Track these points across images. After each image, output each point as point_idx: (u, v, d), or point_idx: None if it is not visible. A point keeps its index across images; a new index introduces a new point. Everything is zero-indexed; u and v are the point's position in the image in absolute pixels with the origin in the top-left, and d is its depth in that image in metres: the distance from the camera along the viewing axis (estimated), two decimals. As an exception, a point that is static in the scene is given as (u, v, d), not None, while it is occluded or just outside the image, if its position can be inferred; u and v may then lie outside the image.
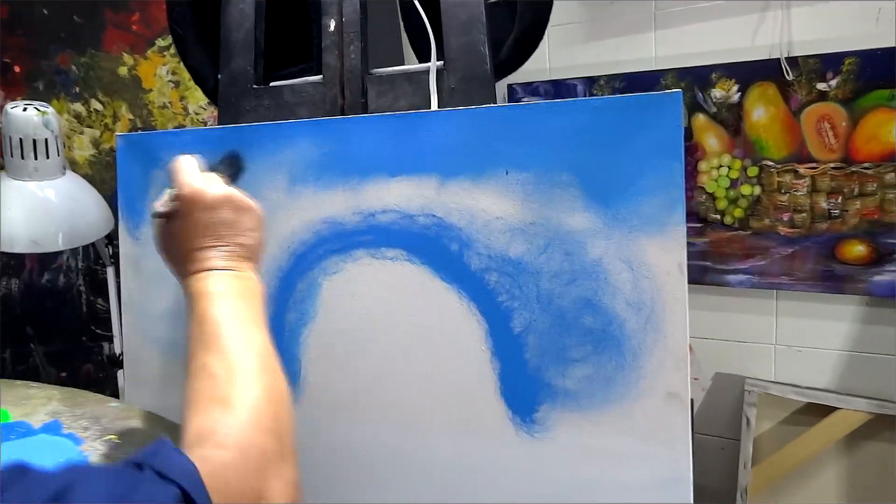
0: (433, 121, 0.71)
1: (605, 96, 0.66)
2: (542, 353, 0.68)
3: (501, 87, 1.60)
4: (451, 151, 0.70)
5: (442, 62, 0.75)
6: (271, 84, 0.84)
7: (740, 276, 1.44)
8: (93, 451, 0.61)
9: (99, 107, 1.55)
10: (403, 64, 0.79)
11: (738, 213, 1.42)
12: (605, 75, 1.44)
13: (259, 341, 0.50)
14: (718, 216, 1.44)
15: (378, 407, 0.74)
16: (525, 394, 0.68)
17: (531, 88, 1.53)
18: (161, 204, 0.58)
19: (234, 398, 0.44)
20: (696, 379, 1.56)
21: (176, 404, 0.70)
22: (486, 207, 0.69)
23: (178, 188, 0.57)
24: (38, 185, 0.99)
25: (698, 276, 1.47)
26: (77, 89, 1.54)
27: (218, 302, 0.51)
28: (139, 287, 0.87)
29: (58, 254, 1.47)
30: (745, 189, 1.40)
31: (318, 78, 0.80)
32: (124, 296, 0.88)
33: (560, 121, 0.66)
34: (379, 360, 0.74)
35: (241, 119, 0.84)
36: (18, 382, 0.75)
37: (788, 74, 1.31)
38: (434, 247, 0.71)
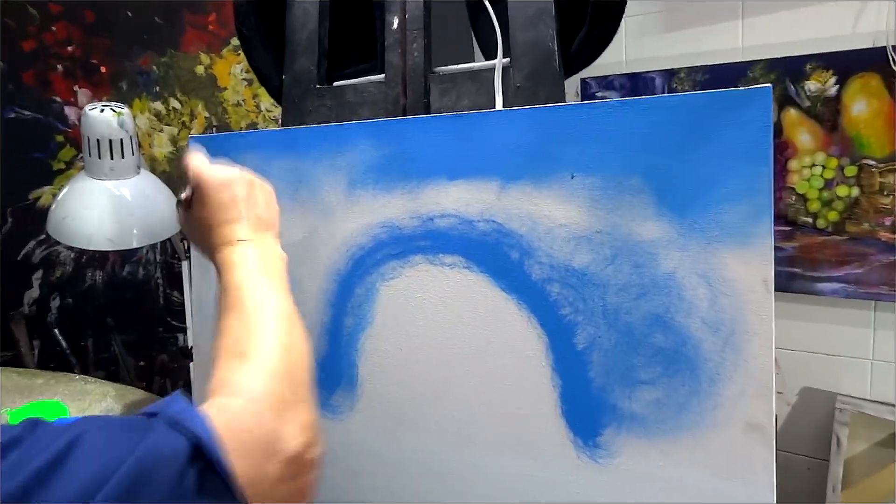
0: (494, 121, 0.67)
1: (683, 93, 0.60)
2: (608, 372, 0.63)
3: (574, 81, 1.54)
4: (512, 153, 0.66)
5: (508, 59, 0.71)
6: (334, 84, 0.83)
7: (833, 285, 1.33)
8: None
9: (177, 105, 1.60)
10: (474, 62, 0.76)
11: (833, 216, 1.30)
12: (686, 68, 1.35)
13: (276, 301, 0.52)
14: (810, 219, 1.32)
15: (432, 420, 0.72)
16: (588, 415, 0.64)
17: (606, 82, 1.46)
18: (182, 195, 0.61)
19: (250, 351, 0.46)
20: (780, 393, 1.45)
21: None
22: (548, 213, 0.65)
23: (192, 177, 0.59)
24: (115, 184, 1.02)
25: (785, 284, 1.36)
26: (157, 89, 1.59)
27: (240, 270, 0.54)
28: (207, 286, 0.88)
29: (138, 248, 1.53)
30: (842, 190, 1.28)
31: (380, 77, 0.78)
32: (193, 294, 0.89)
33: (631, 120, 0.61)
34: (434, 371, 0.71)
35: (304, 119, 0.83)
36: (77, 377, 0.78)
37: (895, 64, 1.18)
38: (493, 254, 0.68)
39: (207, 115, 1.56)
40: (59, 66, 1.46)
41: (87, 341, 1.52)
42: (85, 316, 1.53)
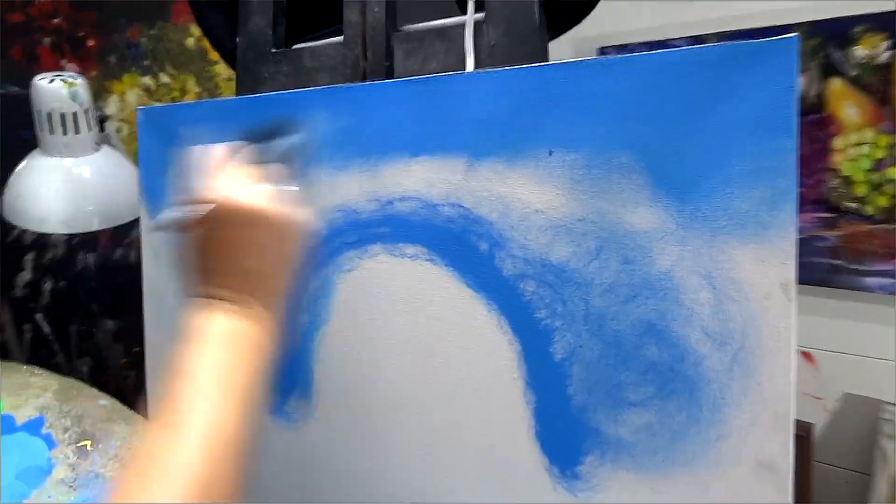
0: (461, 85, 0.56)
1: (683, 48, 0.48)
2: (590, 389, 0.52)
3: (590, 50, 1.40)
4: (482, 125, 0.55)
5: (483, 14, 0.60)
6: (294, 47, 0.73)
7: (882, 280, 1.17)
8: (61, 459, 0.59)
9: (167, 80, 1.53)
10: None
11: (883, 201, 1.14)
12: (715, 33, 1.20)
13: (219, 417, 0.40)
14: (855, 205, 1.17)
15: (392, 436, 0.62)
16: (566, 439, 0.53)
17: (626, 52, 1.32)
18: (175, 210, 0.46)
19: (157, 486, 0.36)
20: (818, 398, 1.31)
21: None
22: (522, 197, 0.54)
23: (198, 193, 0.45)
24: (74, 161, 0.95)
25: (826, 277, 1.21)
26: (147, 62, 1.52)
27: (195, 348, 0.44)
28: (158, 275, 0.80)
29: (130, 229, 1.46)
30: (893, 172, 1.12)
31: (339, 39, 0.68)
32: (145, 284, 0.81)
33: (622, 83, 0.49)
34: (395, 379, 0.61)
35: (259, 88, 0.73)
36: (24, 368, 0.73)
37: (963, 26, 1.02)
38: (459, 245, 0.57)
39: (199, 90, 1.48)
40: (46, 40, 1.39)
41: (71, 327, 1.47)
42: (77, 300, 1.47)
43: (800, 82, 0.44)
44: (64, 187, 0.91)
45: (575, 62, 0.52)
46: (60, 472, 0.57)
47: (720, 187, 0.46)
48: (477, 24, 0.60)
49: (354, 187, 0.62)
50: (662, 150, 0.48)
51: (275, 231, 0.47)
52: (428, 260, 0.59)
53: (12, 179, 0.95)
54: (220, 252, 0.45)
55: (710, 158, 0.47)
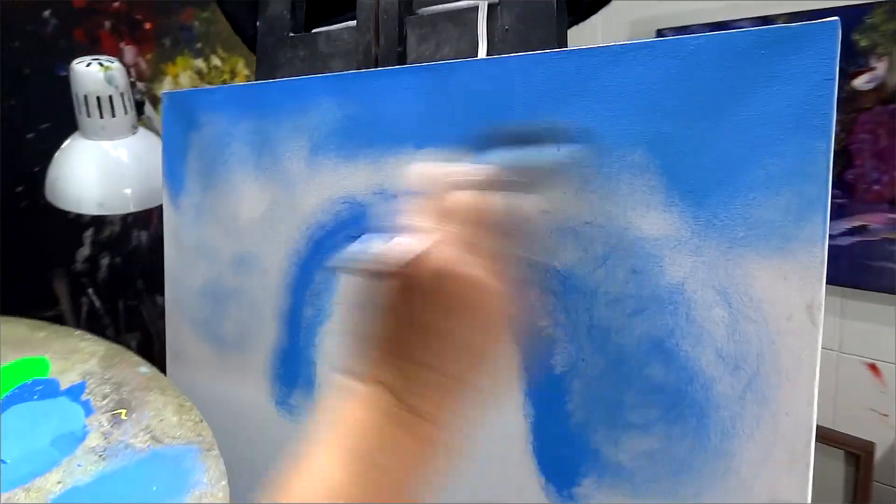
0: (469, 73, 0.52)
1: (707, 34, 0.42)
2: (591, 407, 0.48)
3: (648, 32, 1.31)
4: (490, 117, 0.52)
5: (499, -5, 0.56)
6: (312, 31, 0.71)
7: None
8: (96, 426, 0.58)
9: (218, 63, 1.55)
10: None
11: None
12: (787, 13, 1.10)
13: None
14: (938, 206, 1.05)
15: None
16: (564, 457, 0.49)
17: (686, 33, 1.23)
18: (370, 246, 0.34)
19: None
20: (885, 415, 1.21)
21: (208, 387, 0.70)
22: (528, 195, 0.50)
23: (409, 230, 0.33)
24: (112, 144, 0.96)
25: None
26: (199, 45, 1.54)
27: (327, 457, 0.31)
28: (179, 260, 0.81)
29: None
30: None
31: (354, 22, 0.65)
32: (166, 265, 0.82)
33: (639, 73, 0.44)
34: (394, 379, 0.59)
35: (276, 73, 0.72)
36: (76, 332, 0.74)
37: None
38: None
39: (248, 72, 1.49)
40: (106, 23, 1.43)
41: (120, 302, 1.53)
42: (130, 276, 1.53)
43: (837, 73, 0.38)
44: (100, 169, 0.93)
45: (589, 49, 0.47)
46: (93, 439, 0.57)
47: (742, 193, 0.41)
48: (491, 8, 0.55)
49: (360, 179, 0.60)
50: (680, 148, 0.43)
51: (497, 319, 0.34)
52: (430, 258, 0.56)
53: (53, 161, 0.98)
54: (414, 325, 0.32)
55: (733, 160, 0.41)
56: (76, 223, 1.48)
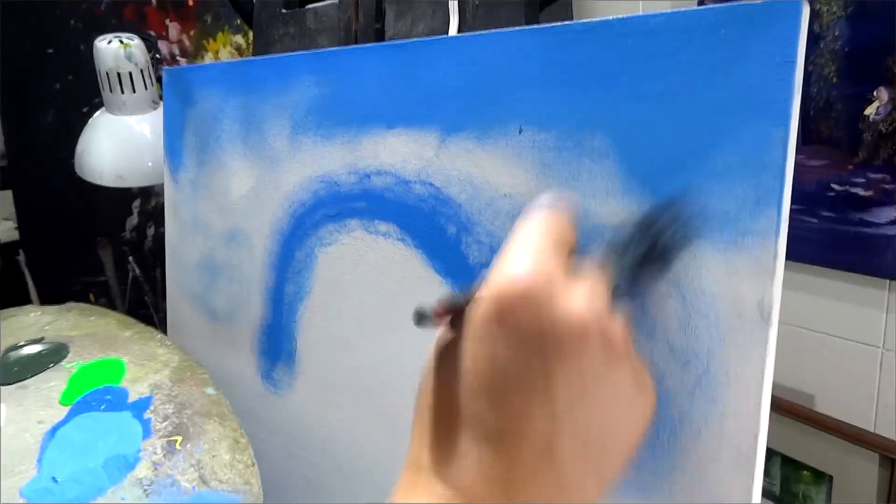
0: (436, 52, 0.51)
1: (669, 10, 0.40)
2: (546, 395, 0.47)
3: (691, 2, 1.25)
4: (455, 96, 0.50)
5: (477, -31, 0.54)
6: (304, 8, 0.70)
7: None
8: (149, 453, 0.55)
9: None
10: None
11: None
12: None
13: None
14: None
15: (361, 413, 0.61)
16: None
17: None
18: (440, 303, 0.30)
19: None
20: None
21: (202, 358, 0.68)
22: (491, 179, 0.49)
23: (503, 268, 0.27)
24: (135, 119, 0.99)
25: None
26: (238, 21, 1.56)
27: None
28: (177, 233, 0.82)
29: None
30: None
31: (339, -2, 0.64)
32: (166, 239, 0.84)
33: (597, 52, 0.43)
34: (366, 357, 0.59)
35: (270, 49, 0.72)
36: (158, 336, 0.72)
37: None
38: (429, 226, 0.53)
39: (277, 47, 1.50)
40: (153, 1, 1.46)
41: (158, 271, 1.58)
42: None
43: (801, 55, 0.36)
44: (122, 143, 0.96)
45: (555, 26, 0.45)
46: (142, 469, 0.54)
47: (699, 181, 0.39)
48: (466, -18, 0.54)
49: (337, 158, 0.60)
50: (638, 133, 0.42)
51: (622, 391, 0.28)
52: (399, 239, 0.55)
53: (81, 135, 1.02)
54: (501, 392, 0.25)
55: (691, 146, 0.39)
56: (126, 194, 1.53)
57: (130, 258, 1.58)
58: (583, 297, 0.26)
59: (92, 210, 1.50)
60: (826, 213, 0.99)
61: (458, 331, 0.27)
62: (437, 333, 0.28)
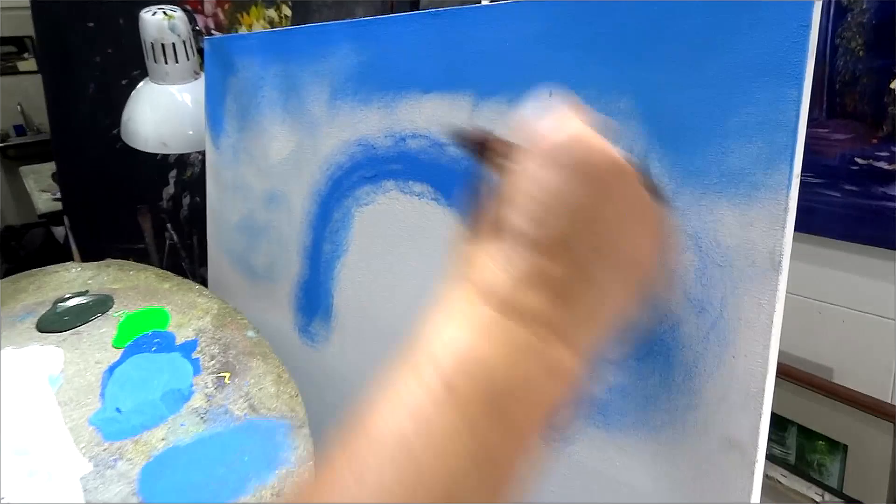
0: (471, 20, 0.54)
1: (692, -20, 0.42)
2: (569, 342, 0.51)
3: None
4: (489, 61, 0.53)
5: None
6: (341, -22, 0.73)
7: None
8: (200, 387, 0.60)
9: (288, 12, 1.59)
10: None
11: None
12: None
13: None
14: None
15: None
16: (543, 389, 0.52)
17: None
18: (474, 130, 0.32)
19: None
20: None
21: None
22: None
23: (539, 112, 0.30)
24: (177, 88, 1.03)
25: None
26: None
27: (437, 389, 0.25)
28: (218, 196, 0.87)
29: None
30: None
31: (376, -31, 0.67)
32: (208, 202, 0.89)
33: (626, 20, 0.45)
34: (401, 312, 0.63)
35: (309, 20, 0.75)
36: (196, 287, 0.76)
37: None
38: (462, 186, 0.56)
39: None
40: (189, -25, 1.50)
41: (195, 238, 1.64)
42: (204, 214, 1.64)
43: (816, 20, 0.38)
44: (165, 111, 1.00)
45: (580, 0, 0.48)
46: (197, 400, 0.58)
47: (717, 140, 0.42)
48: (500, -47, 0.56)
49: (374, 122, 0.63)
50: (661, 96, 0.44)
51: (640, 212, 0.31)
52: (433, 199, 0.59)
53: (126, 104, 1.06)
54: (543, 212, 0.28)
55: (710, 107, 0.42)
56: (162, 164, 1.58)
57: (169, 225, 1.63)
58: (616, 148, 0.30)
59: (130, 179, 1.55)
60: (849, 187, 1.00)
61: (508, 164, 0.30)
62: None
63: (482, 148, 0.33)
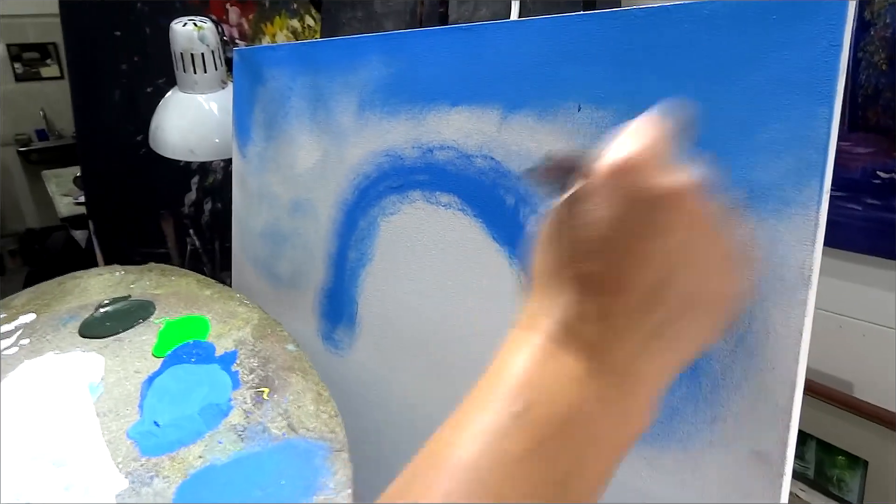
0: (500, 35, 0.55)
1: (721, 0, 0.43)
2: (595, 353, 0.51)
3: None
4: (517, 76, 0.54)
5: (540, -43, 0.58)
6: (369, -8, 0.75)
7: None
8: (239, 402, 0.59)
9: (311, 23, 1.61)
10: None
11: None
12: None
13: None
14: None
15: (418, 372, 0.65)
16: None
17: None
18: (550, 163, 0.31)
19: None
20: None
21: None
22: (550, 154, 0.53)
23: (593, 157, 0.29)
24: (204, 98, 1.05)
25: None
26: (295, 6, 1.61)
27: (505, 415, 0.26)
28: (244, 203, 0.88)
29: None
30: None
31: (405, -17, 0.68)
32: (234, 210, 0.90)
33: (655, 36, 0.46)
34: (425, 320, 0.64)
35: (337, 32, 0.76)
36: (237, 296, 0.76)
37: None
38: (489, 197, 0.57)
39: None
40: (216, -15, 1.53)
41: (216, 243, 1.67)
42: (229, 220, 1.66)
43: (847, 39, 0.39)
44: (193, 120, 1.02)
45: (613, 12, 0.49)
46: (235, 416, 0.57)
47: (746, 155, 0.42)
48: (529, -31, 0.58)
49: (401, 133, 0.64)
50: (692, 112, 0.45)
51: (714, 246, 0.30)
52: (460, 209, 0.60)
53: (155, 112, 1.09)
54: (597, 246, 0.28)
55: (740, 123, 0.43)
56: (185, 170, 1.61)
57: (191, 230, 1.66)
58: (687, 174, 0.29)
59: (153, 185, 1.58)
60: (871, 201, 1.00)
61: (575, 191, 0.29)
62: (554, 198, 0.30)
63: (567, 179, 0.30)
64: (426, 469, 0.27)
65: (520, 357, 0.28)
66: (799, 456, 1.21)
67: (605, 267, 0.28)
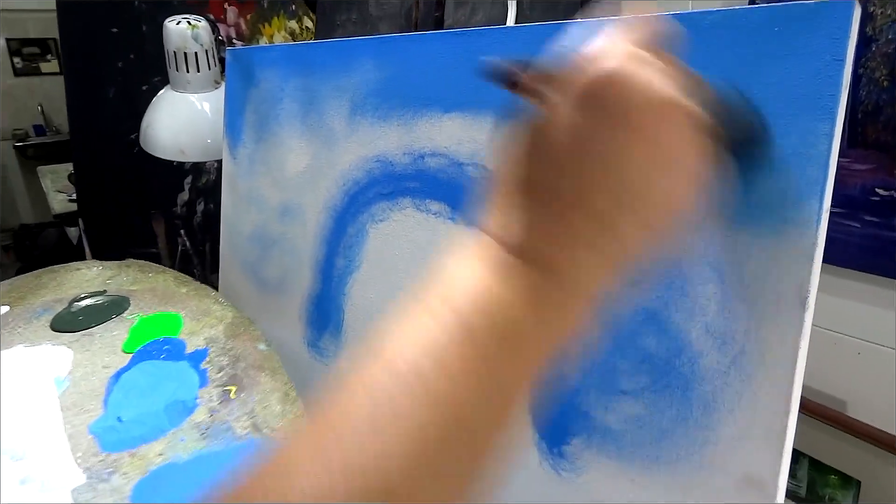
0: (493, 41, 0.54)
1: (726, 8, 0.42)
2: (585, 371, 0.50)
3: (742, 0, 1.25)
4: (511, 84, 0.53)
5: (537, -37, 0.57)
6: (365, -6, 0.73)
7: None
8: (205, 400, 0.59)
9: (309, 24, 1.60)
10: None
11: None
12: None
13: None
14: None
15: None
16: (556, 417, 0.52)
17: None
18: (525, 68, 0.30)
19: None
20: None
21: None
22: (542, 163, 0.51)
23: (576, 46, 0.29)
24: (197, 97, 1.04)
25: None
26: (293, 7, 1.60)
27: (451, 325, 0.26)
28: (233, 206, 0.87)
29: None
30: None
31: (401, -14, 0.67)
32: (223, 211, 0.89)
33: (653, 46, 0.45)
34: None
35: (332, 34, 0.75)
36: (212, 294, 0.75)
37: None
38: (479, 207, 0.56)
39: (325, 33, 1.54)
40: (214, -16, 1.52)
41: (207, 245, 1.65)
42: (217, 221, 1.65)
43: (850, 54, 0.38)
44: (184, 119, 1.01)
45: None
46: (200, 414, 0.57)
47: (744, 171, 0.41)
48: (526, -25, 0.56)
49: (393, 139, 0.63)
50: (688, 123, 0.43)
51: (685, 147, 0.28)
52: (450, 218, 0.58)
53: (147, 111, 1.07)
54: (566, 160, 0.27)
55: (738, 137, 0.41)
56: (178, 170, 1.59)
57: (182, 231, 1.64)
58: (667, 80, 0.28)
59: (146, 184, 1.56)
60: (869, 218, 0.99)
61: (541, 104, 0.28)
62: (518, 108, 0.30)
63: (515, 85, 0.30)
64: (371, 367, 0.27)
65: (479, 267, 0.28)
66: (791, 474, 1.19)
67: (579, 183, 0.27)
